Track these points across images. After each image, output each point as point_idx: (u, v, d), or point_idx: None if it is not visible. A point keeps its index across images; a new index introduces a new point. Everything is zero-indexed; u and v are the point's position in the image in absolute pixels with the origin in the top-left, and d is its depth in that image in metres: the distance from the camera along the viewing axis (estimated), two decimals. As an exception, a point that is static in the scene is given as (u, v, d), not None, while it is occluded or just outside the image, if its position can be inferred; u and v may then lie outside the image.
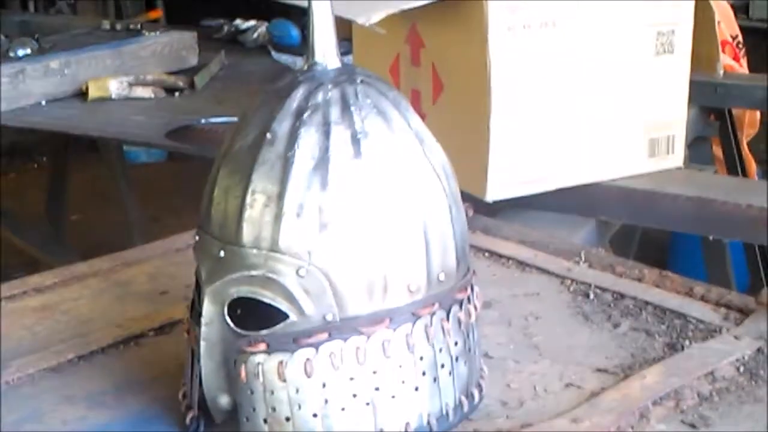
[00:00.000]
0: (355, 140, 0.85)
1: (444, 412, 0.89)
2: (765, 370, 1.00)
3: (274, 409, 0.85)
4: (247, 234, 0.84)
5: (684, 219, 1.47)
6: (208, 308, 0.87)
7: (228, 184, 0.87)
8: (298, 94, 0.87)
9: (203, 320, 0.87)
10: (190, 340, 0.92)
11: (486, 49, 1.36)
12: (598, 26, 1.44)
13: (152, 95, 2.10)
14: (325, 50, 0.90)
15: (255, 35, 2.68)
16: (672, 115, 1.55)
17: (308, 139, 0.84)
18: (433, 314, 0.88)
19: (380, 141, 0.86)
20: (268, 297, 0.84)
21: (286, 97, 0.87)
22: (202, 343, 0.87)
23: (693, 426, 0.91)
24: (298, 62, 2.40)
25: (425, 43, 1.50)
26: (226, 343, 0.87)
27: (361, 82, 0.89)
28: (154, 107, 2.04)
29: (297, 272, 0.83)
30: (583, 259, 1.29)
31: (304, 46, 2.56)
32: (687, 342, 1.06)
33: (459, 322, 0.90)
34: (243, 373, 0.85)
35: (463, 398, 0.91)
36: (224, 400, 0.88)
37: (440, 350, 0.88)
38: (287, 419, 0.84)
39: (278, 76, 2.47)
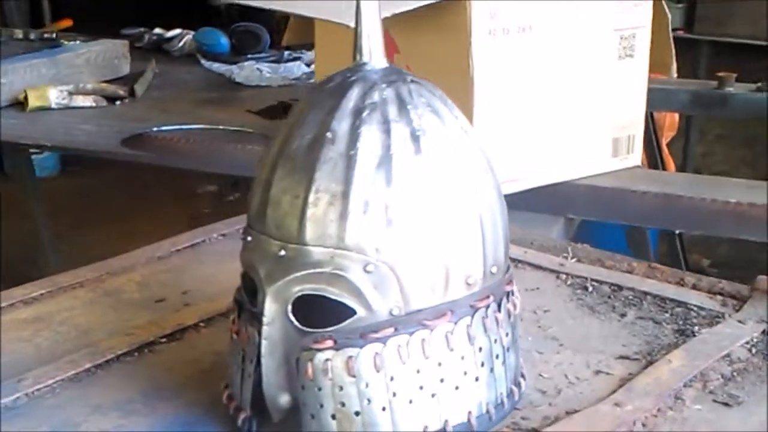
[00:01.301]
0: (415, 137, 0.86)
1: (499, 401, 0.92)
2: (775, 351, 1.06)
3: (343, 405, 0.85)
4: (311, 232, 0.85)
5: (652, 214, 1.54)
6: (270, 307, 0.87)
7: (287, 184, 0.87)
8: (354, 94, 0.88)
9: (265, 319, 0.87)
10: (240, 342, 0.92)
11: (469, 53, 1.40)
12: (568, 32, 1.50)
13: (93, 104, 2.06)
14: (373, 50, 0.91)
15: (181, 43, 2.66)
16: (632, 116, 1.62)
17: (369, 137, 0.86)
18: (488, 306, 0.90)
19: (436, 138, 0.88)
20: (334, 293, 0.85)
21: (341, 97, 0.88)
22: (264, 342, 0.87)
23: (726, 404, 0.96)
24: (235, 70, 2.39)
25: (399, 49, 1.52)
26: (288, 341, 0.87)
27: (412, 81, 0.90)
28: (98, 116, 2.01)
29: (365, 268, 0.84)
30: (570, 254, 1.34)
31: (234, 54, 2.58)
32: (696, 328, 1.12)
33: (509, 313, 0.93)
34: (309, 370, 0.85)
35: (513, 387, 0.94)
36: (284, 399, 0.88)
37: (495, 341, 0.91)
38: (357, 414, 0.85)
39: (214, 84, 2.47)
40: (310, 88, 0.96)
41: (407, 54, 1.52)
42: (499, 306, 0.92)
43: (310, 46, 2.13)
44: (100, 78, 2.23)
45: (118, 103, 2.10)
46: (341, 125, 0.86)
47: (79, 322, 1.21)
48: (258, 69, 2.30)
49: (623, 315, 1.17)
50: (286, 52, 2.54)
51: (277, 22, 2.88)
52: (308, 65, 2.37)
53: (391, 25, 1.51)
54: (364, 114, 0.86)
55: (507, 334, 0.93)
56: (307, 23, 1.75)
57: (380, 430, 0.85)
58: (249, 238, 0.90)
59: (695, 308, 1.17)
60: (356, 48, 0.92)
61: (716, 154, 3.79)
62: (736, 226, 1.47)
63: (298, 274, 0.86)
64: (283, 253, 0.86)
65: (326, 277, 0.85)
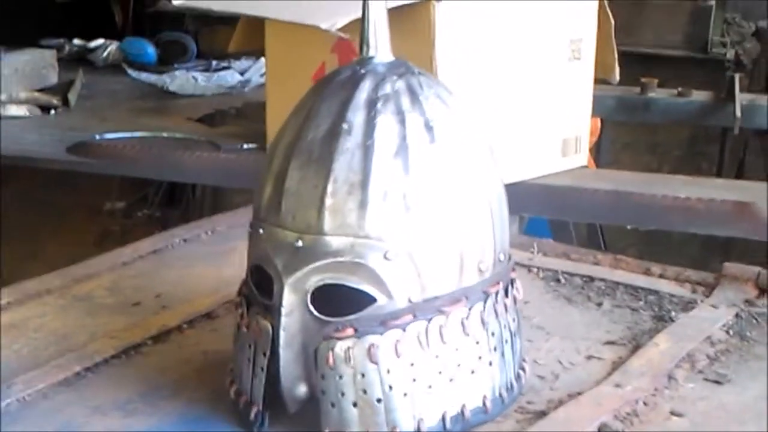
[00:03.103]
0: (429, 127, 0.88)
1: (509, 384, 0.94)
2: (750, 332, 1.11)
3: (365, 392, 0.86)
4: (330, 222, 0.86)
5: (604, 211, 1.59)
6: (288, 298, 0.87)
7: (302, 175, 0.87)
8: (366, 86, 0.89)
9: (283, 311, 0.87)
10: (252, 335, 0.91)
11: (432, 55, 1.42)
12: (522, 35, 1.54)
13: (27, 113, 2.02)
14: (379, 44, 0.93)
15: (105, 54, 2.62)
16: (579, 117, 1.67)
17: (385, 127, 0.87)
18: (497, 292, 0.92)
19: (447, 127, 0.90)
20: (355, 282, 0.86)
21: (354, 89, 0.89)
22: (282, 334, 0.87)
23: (717, 382, 1.00)
24: (167, 80, 2.36)
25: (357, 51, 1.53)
26: (307, 331, 0.87)
27: (419, 73, 0.92)
28: (35, 125, 1.97)
29: (384, 256, 0.85)
30: (536, 249, 1.37)
31: (160, 64, 2.55)
32: (672, 314, 1.16)
33: (514, 299, 0.95)
34: (330, 359, 0.86)
35: (520, 371, 0.96)
36: (302, 390, 0.89)
37: (504, 326, 0.93)
38: (378, 401, 0.86)
39: (147, 93, 2.44)
40: (317, 82, 0.96)
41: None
42: (506, 292, 0.94)
43: (251, 54, 2.13)
44: (29, 87, 2.18)
45: (52, 112, 2.06)
46: (356, 116, 0.88)
47: (54, 327, 1.18)
48: (193, 78, 2.29)
49: (600, 304, 1.21)
50: (214, 62, 2.52)
51: (196, 31, 2.86)
52: (241, 74, 2.36)
53: (347, 28, 1.53)
54: (379, 105, 0.88)
55: (513, 320, 0.95)
56: (255, 30, 1.75)
57: (402, 416, 0.87)
58: (261, 231, 0.91)
59: (667, 295, 1.22)
60: (363, 41, 0.93)
61: (623, 161, 3.91)
62: (685, 220, 1.53)
63: (317, 263, 0.86)
64: (300, 243, 0.87)
65: (346, 266, 0.86)
